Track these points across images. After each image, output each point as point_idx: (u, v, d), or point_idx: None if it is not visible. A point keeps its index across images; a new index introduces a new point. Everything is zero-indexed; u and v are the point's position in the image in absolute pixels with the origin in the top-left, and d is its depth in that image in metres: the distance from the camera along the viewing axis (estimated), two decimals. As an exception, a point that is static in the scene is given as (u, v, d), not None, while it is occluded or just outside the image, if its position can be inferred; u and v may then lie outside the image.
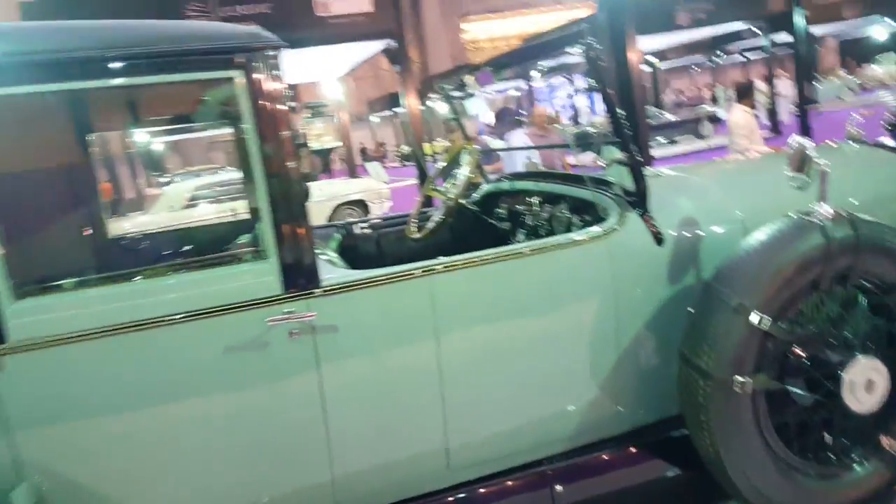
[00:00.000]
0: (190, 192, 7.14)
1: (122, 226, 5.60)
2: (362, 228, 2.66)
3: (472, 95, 2.46)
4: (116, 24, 1.47)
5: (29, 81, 1.33)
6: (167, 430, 1.48)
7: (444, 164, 2.63)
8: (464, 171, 2.41)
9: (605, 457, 1.88)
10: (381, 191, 8.65)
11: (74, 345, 1.39)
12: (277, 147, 1.48)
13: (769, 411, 1.72)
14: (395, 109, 19.36)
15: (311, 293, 1.52)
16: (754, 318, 1.62)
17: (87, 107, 2.14)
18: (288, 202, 1.51)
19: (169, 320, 1.44)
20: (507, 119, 5.15)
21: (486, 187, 2.75)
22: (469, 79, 2.31)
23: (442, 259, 1.65)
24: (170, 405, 1.47)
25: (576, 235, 1.81)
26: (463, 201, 2.44)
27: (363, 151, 22.53)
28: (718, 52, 18.72)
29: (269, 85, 1.45)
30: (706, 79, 23.43)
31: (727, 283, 1.69)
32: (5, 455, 1.38)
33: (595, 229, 1.81)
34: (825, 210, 1.69)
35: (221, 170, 10.79)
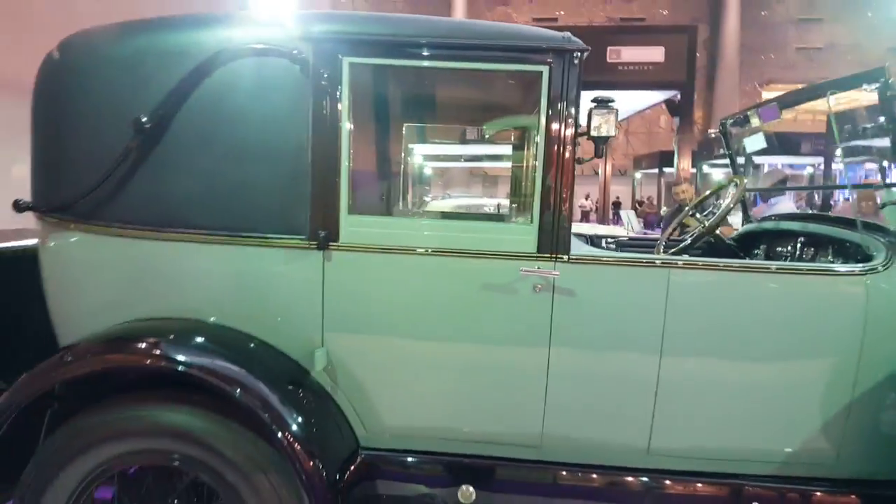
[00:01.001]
0: (451, 207, 8.10)
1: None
2: (608, 242, 2.85)
3: (754, 132, 2.48)
4: (450, 19, 1.91)
5: (391, 56, 1.82)
6: (427, 334, 1.85)
7: (709, 193, 2.69)
8: (726, 201, 2.46)
9: (813, 493, 1.80)
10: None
11: (379, 254, 1.84)
12: (560, 139, 1.77)
13: None
14: (663, 168, 18.99)
15: (559, 257, 1.78)
16: None
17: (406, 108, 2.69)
18: (557, 180, 1.79)
19: (450, 252, 1.82)
20: (775, 180, 4.82)
21: (748, 226, 2.74)
22: (752, 113, 2.38)
23: (684, 256, 1.78)
24: (432, 315, 1.85)
25: (833, 266, 1.79)
26: (718, 232, 2.49)
27: (616, 205, 22.30)
28: None
29: (568, 85, 1.75)
30: None
31: None
32: (316, 324, 1.88)
33: (856, 265, 1.77)
34: None
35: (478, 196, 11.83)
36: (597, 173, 17.88)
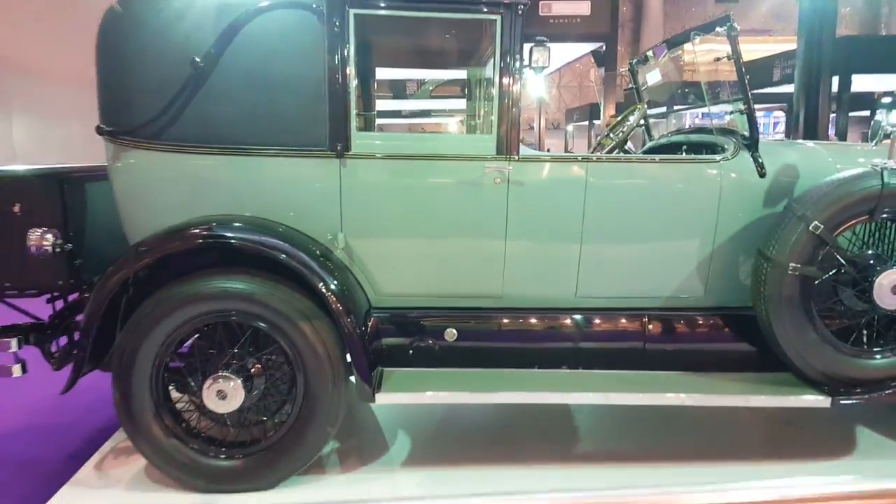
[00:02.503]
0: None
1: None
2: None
3: (652, 68, 3.25)
4: None
5: (386, 8, 2.43)
6: (418, 218, 2.53)
7: (619, 118, 3.46)
8: (631, 120, 3.23)
9: (691, 316, 2.65)
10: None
11: (382, 161, 2.50)
12: (510, 71, 2.45)
13: (815, 297, 2.37)
14: (593, 121, 20.04)
15: (511, 157, 2.49)
16: (812, 225, 2.29)
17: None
18: (508, 101, 2.48)
19: (432, 157, 2.50)
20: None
21: (649, 144, 3.54)
22: (649, 53, 3.13)
23: (598, 154, 2.53)
24: (420, 204, 2.53)
25: (698, 157, 2.59)
26: (627, 147, 3.26)
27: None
28: None
29: (514, 30, 2.42)
30: None
31: (800, 201, 2.38)
32: (336, 214, 2.52)
33: (714, 155, 2.58)
34: (890, 164, 2.29)
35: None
36: (532, 127, 18.77)
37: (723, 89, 2.83)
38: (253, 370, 2.47)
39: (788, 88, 8.59)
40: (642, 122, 3.30)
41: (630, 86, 3.59)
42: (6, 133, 10.53)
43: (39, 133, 11.33)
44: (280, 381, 2.53)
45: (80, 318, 2.79)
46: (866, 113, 14.15)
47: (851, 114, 10.20)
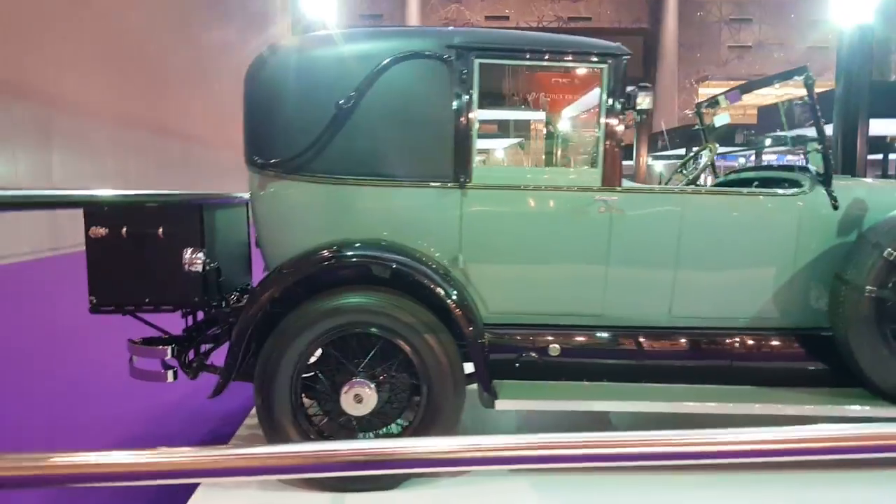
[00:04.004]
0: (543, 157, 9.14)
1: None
2: None
3: (721, 112, 3.57)
4: (542, 34, 2.86)
5: (507, 59, 2.78)
6: (530, 243, 2.82)
7: (691, 155, 3.77)
8: (704, 159, 3.54)
9: (772, 336, 2.90)
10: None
11: (499, 191, 2.80)
12: (614, 112, 2.77)
13: (889, 317, 2.63)
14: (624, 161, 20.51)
15: (615, 189, 2.79)
16: (887, 252, 2.56)
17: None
18: (611, 139, 2.79)
19: (545, 187, 2.80)
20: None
21: (718, 180, 3.83)
22: (721, 98, 3.46)
23: (692, 188, 2.83)
24: (532, 230, 2.81)
25: (779, 190, 2.87)
26: (699, 183, 3.56)
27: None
28: None
29: (618, 76, 2.75)
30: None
31: (875, 230, 2.67)
32: (456, 238, 2.82)
33: (792, 190, 2.86)
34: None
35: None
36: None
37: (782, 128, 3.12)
38: (381, 378, 2.74)
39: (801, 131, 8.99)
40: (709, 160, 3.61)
41: (696, 126, 3.91)
42: (47, 166, 11.06)
43: (76, 166, 11.88)
44: (401, 390, 2.79)
45: (211, 331, 3.09)
46: (879, 156, 14.54)
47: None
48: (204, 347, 3.06)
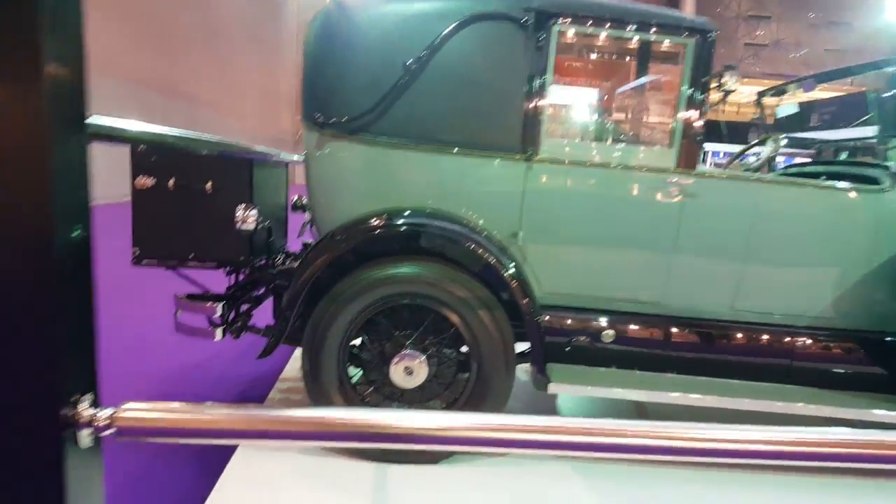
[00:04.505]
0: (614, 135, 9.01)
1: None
2: None
3: (787, 101, 3.44)
4: (627, 3, 2.71)
5: (587, 26, 2.64)
6: (595, 223, 2.71)
7: (754, 143, 3.64)
8: (767, 150, 3.41)
9: (835, 337, 2.80)
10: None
11: (568, 166, 2.67)
12: (695, 91, 2.64)
13: None
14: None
15: (690, 172, 2.67)
16: None
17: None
18: (691, 118, 2.66)
19: (616, 166, 2.68)
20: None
21: (779, 171, 3.71)
22: (793, 85, 3.33)
23: (770, 176, 2.71)
24: (599, 211, 2.70)
25: (860, 186, 2.76)
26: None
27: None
28: None
29: (704, 53, 2.61)
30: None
31: None
32: (516, 214, 2.70)
33: (874, 186, 2.75)
34: None
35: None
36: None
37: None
38: (432, 351, 2.64)
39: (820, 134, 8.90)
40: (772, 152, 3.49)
41: (756, 117, 3.78)
42: None
43: None
44: (447, 366, 2.69)
45: (254, 292, 2.97)
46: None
47: None
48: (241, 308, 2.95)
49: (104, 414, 0.84)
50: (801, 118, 3.52)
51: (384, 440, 0.83)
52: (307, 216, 3.54)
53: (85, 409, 0.84)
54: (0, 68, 0.64)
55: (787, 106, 3.49)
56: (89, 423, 0.84)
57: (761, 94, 3.68)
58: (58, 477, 0.81)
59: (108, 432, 0.84)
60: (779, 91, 3.58)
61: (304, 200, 3.54)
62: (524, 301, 2.58)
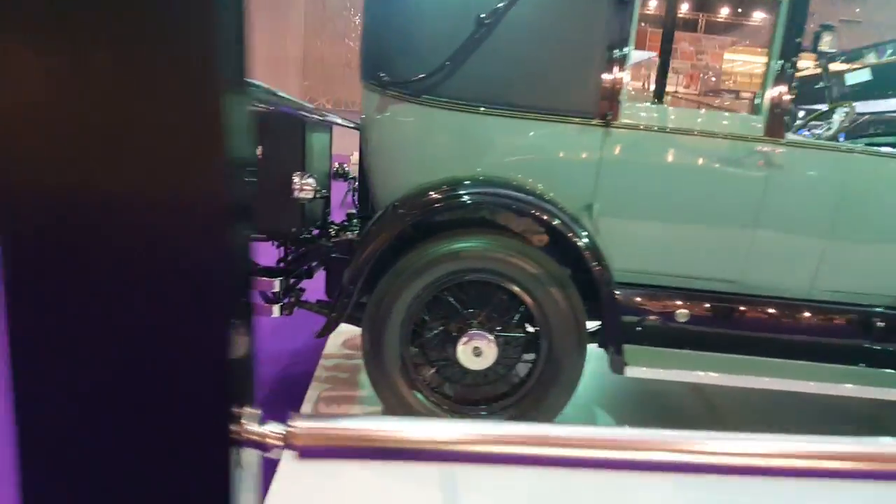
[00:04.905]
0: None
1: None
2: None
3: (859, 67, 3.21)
4: None
5: None
6: (674, 197, 2.52)
7: (817, 112, 3.43)
8: (839, 118, 3.20)
9: None
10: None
11: (647, 133, 2.48)
12: (788, 54, 2.42)
13: None
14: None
15: (778, 140, 2.48)
16: None
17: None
18: (782, 83, 2.45)
19: (699, 133, 2.48)
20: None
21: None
22: (868, 50, 3.10)
23: (863, 146, 2.52)
24: (680, 183, 2.51)
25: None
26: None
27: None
28: None
29: (799, 12, 2.38)
30: None
31: None
32: (591, 184, 2.52)
33: None
34: None
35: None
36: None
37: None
38: (499, 330, 2.48)
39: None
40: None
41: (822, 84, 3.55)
42: None
43: None
44: (514, 345, 2.54)
45: (305, 266, 2.81)
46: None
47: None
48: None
49: (274, 430, 0.68)
50: (875, 86, 3.29)
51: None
52: (349, 185, 3.36)
53: (251, 424, 0.68)
54: (178, 38, 0.58)
55: (859, 73, 3.26)
56: (259, 442, 0.68)
57: (828, 57, 3.44)
58: (224, 498, 0.67)
59: (282, 451, 0.68)
60: (851, 57, 3.35)
61: (346, 168, 3.36)
62: (603, 276, 2.42)
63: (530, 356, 2.55)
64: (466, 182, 2.45)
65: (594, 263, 2.42)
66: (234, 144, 0.60)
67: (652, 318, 2.63)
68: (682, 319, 2.62)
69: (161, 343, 0.60)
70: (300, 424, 0.69)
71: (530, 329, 2.54)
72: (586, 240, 2.43)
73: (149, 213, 0.58)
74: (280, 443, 0.68)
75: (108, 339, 0.59)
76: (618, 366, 2.46)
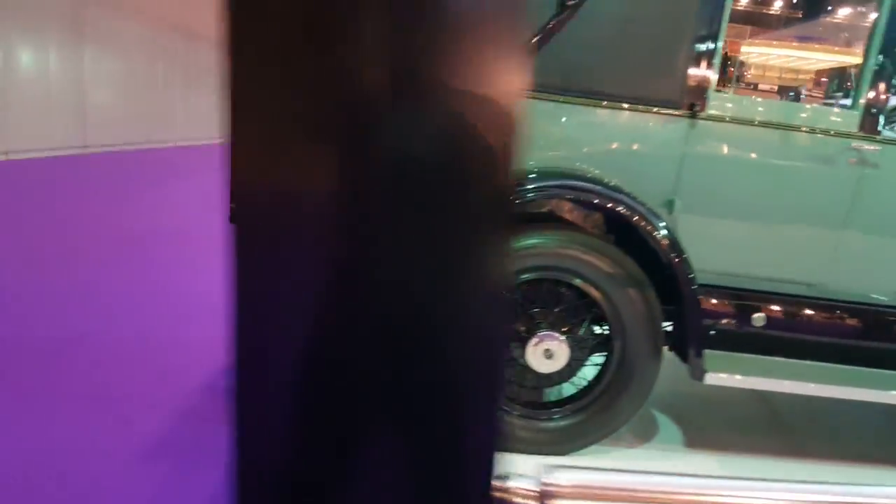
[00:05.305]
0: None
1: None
2: None
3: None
4: None
5: None
6: (761, 194, 2.38)
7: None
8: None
9: None
10: None
11: (736, 126, 2.33)
12: (884, 49, 2.27)
13: None
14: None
15: (874, 137, 2.33)
16: None
17: None
18: (878, 77, 2.30)
19: (791, 127, 2.32)
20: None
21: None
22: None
23: None
24: (767, 179, 2.36)
25: None
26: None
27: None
28: None
29: None
30: None
31: None
32: (672, 178, 2.37)
33: None
34: None
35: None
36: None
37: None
38: (569, 331, 2.35)
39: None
40: None
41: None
42: (79, 59, 10.36)
43: (107, 64, 11.17)
44: (584, 346, 2.41)
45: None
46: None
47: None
48: None
49: (543, 485, 0.54)
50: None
51: None
52: None
53: (513, 482, 0.54)
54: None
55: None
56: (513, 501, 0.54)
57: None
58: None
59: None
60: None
61: None
62: (685, 275, 2.27)
63: (598, 360, 2.42)
64: (541, 174, 2.30)
65: (677, 261, 2.28)
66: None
67: (727, 321, 2.49)
68: (759, 324, 2.48)
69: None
70: (557, 478, 0.56)
71: (598, 330, 2.41)
72: (669, 237, 2.29)
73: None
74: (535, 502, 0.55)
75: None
76: (698, 372, 2.32)
